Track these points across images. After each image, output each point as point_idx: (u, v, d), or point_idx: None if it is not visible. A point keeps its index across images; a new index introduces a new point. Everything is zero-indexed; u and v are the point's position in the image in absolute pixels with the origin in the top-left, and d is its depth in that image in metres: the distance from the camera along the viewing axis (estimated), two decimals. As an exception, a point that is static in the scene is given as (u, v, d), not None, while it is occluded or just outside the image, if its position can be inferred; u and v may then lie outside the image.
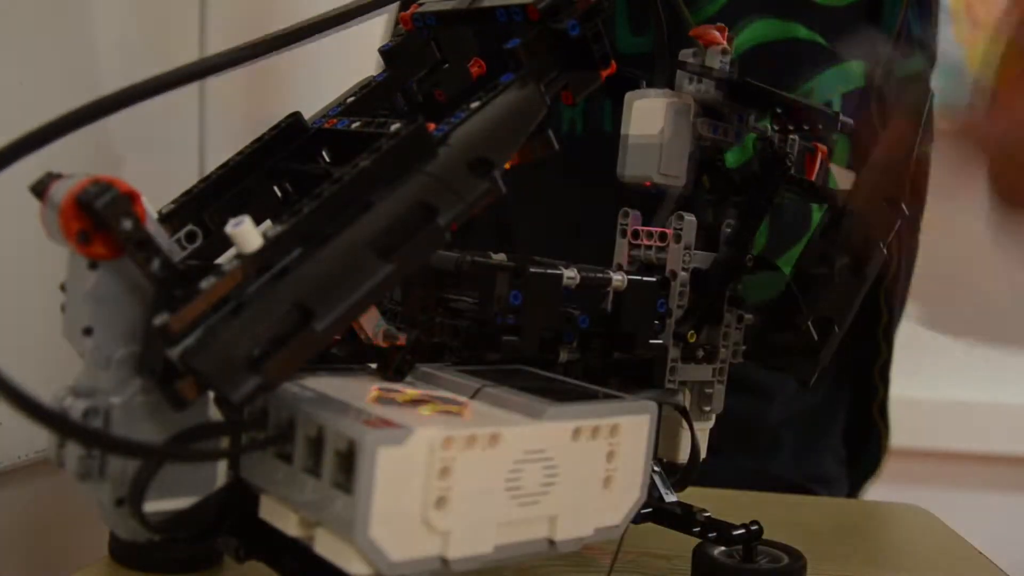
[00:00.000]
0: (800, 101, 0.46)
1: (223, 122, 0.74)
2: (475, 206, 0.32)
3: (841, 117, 0.46)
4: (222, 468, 0.33)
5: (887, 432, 0.81)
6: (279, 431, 0.31)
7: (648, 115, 0.44)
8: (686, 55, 0.45)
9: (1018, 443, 1.30)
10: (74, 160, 0.55)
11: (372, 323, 0.34)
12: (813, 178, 0.49)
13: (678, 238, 0.44)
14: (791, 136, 0.46)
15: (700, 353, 0.45)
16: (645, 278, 0.43)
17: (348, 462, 0.28)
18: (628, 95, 0.45)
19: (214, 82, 0.68)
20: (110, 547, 0.45)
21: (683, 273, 0.44)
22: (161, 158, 0.66)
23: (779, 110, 0.46)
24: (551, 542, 0.33)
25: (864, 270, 0.47)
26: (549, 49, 0.35)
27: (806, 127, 0.46)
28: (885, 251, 0.48)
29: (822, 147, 0.49)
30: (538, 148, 0.37)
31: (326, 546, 0.29)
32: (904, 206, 0.47)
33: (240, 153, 0.37)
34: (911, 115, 0.48)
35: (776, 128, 0.47)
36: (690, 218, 0.44)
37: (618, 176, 0.45)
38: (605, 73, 0.36)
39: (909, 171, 0.47)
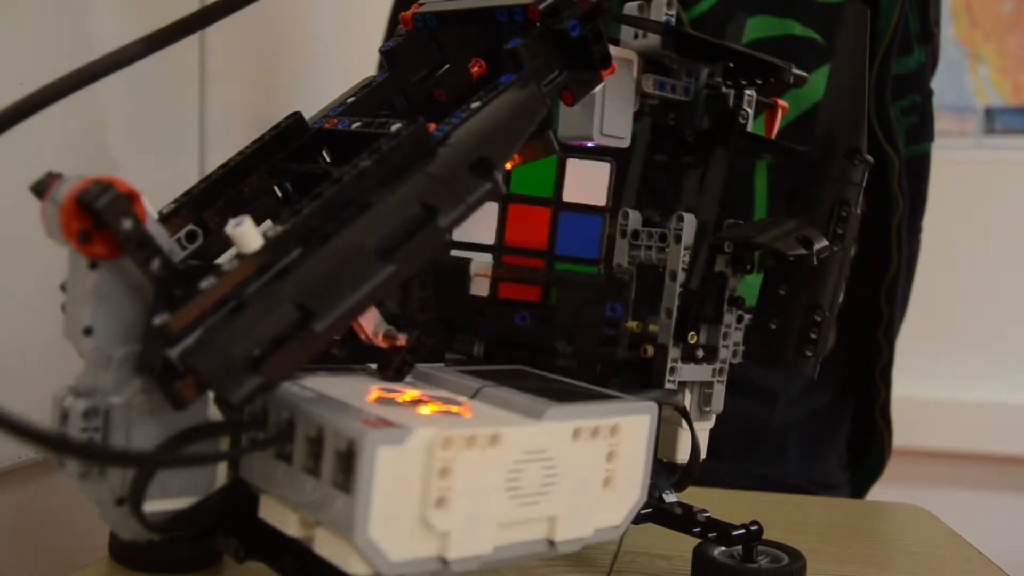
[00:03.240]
0: (749, 52, 0.43)
1: (223, 122, 0.74)
2: (476, 207, 0.32)
3: (793, 69, 0.43)
4: (222, 468, 0.33)
5: (890, 435, 0.80)
6: (279, 431, 0.31)
7: None
8: (630, 8, 0.42)
9: (1018, 443, 1.30)
10: (74, 160, 0.55)
11: (372, 323, 0.34)
12: (773, 135, 0.46)
13: (678, 239, 0.44)
14: (747, 92, 0.44)
15: (700, 353, 0.45)
16: (586, 280, 0.41)
17: (348, 462, 0.28)
18: None
19: (214, 82, 0.68)
20: (110, 547, 0.45)
21: (683, 273, 0.44)
22: (161, 158, 0.66)
23: (730, 64, 0.44)
24: (551, 543, 0.33)
25: (843, 238, 0.44)
26: (549, 49, 0.35)
27: (758, 80, 0.44)
28: (859, 212, 0.44)
29: (782, 103, 0.46)
30: (538, 148, 0.37)
31: (326, 546, 0.29)
32: (867, 155, 0.43)
33: (240, 153, 0.37)
34: (854, 53, 0.44)
35: (728, 83, 0.44)
36: (690, 218, 0.44)
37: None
38: (606, 73, 0.36)
39: (863, 115, 0.44)
